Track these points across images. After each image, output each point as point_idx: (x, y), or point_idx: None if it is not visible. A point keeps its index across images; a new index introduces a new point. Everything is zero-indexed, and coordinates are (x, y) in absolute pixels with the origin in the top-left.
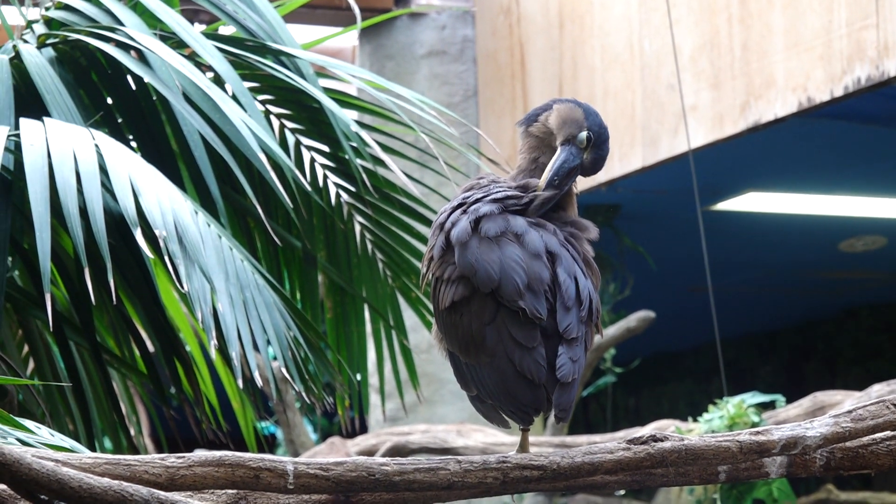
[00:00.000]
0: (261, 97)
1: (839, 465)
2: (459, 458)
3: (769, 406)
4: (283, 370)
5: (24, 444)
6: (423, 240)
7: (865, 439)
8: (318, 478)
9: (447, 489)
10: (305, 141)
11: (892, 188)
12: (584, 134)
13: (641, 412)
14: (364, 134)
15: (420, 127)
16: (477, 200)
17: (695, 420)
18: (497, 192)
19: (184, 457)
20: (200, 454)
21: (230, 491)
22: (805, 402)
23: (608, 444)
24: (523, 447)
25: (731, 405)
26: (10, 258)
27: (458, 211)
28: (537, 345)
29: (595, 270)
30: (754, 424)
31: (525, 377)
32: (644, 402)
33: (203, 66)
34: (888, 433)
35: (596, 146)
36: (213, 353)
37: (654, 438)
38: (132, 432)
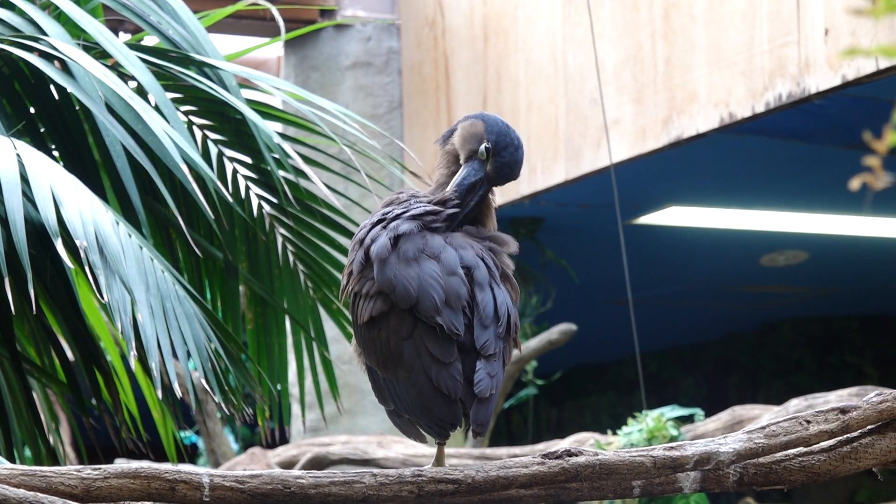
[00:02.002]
0: (184, 108)
1: (752, 480)
2: (375, 471)
3: (688, 420)
4: (203, 381)
5: None
6: (345, 252)
7: (779, 455)
8: (233, 490)
9: (362, 502)
10: (228, 152)
11: (813, 203)
12: (482, 147)
13: (564, 424)
14: (286, 146)
15: (343, 139)
16: (396, 217)
17: (614, 433)
18: (415, 208)
19: (100, 468)
20: (117, 466)
21: (146, 503)
22: (724, 416)
23: (523, 459)
24: (439, 461)
25: (651, 419)
26: None
27: (378, 227)
28: (454, 360)
29: (514, 284)
30: (673, 438)
31: (442, 392)
32: (567, 414)
33: (126, 77)
34: (801, 449)
35: (496, 154)
36: (133, 363)
37: (569, 453)
38: (52, 442)
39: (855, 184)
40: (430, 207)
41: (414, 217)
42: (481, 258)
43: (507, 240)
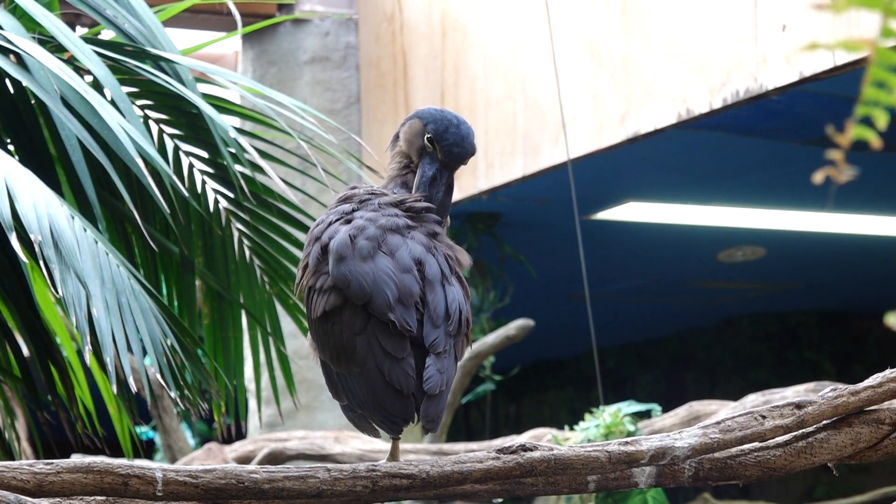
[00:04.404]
0: (140, 102)
1: (707, 475)
2: (329, 466)
3: (645, 415)
4: (159, 376)
5: None
6: (302, 247)
7: (734, 450)
8: (186, 485)
9: (316, 497)
10: (184, 146)
11: (770, 199)
12: (425, 139)
13: (522, 420)
14: (242, 140)
15: (300, 134)
16: (356, 217)
17: (572, 428)
18: (386, 215)
19: (52, 463)
20: (69, 461)
21: (99, 497)
22: (681, 412)
23: (478, 454)
24: (393, 456)
25: (608, 414)
26: None
27: (337, 223)
28: (406, 356)
29: (464, 283)
30: (630, 433)
31: (394, 387)
32: (525, 410)
33: (82, 71)
34: (756, 444)
35: (441, 140)
36: (88, 358)
37: (524, 448)
38: (7, 437)
39: (818, 177)
40: (399, 217)
41: (379, 226)
42: (434, 255)
43: (461, 257)
